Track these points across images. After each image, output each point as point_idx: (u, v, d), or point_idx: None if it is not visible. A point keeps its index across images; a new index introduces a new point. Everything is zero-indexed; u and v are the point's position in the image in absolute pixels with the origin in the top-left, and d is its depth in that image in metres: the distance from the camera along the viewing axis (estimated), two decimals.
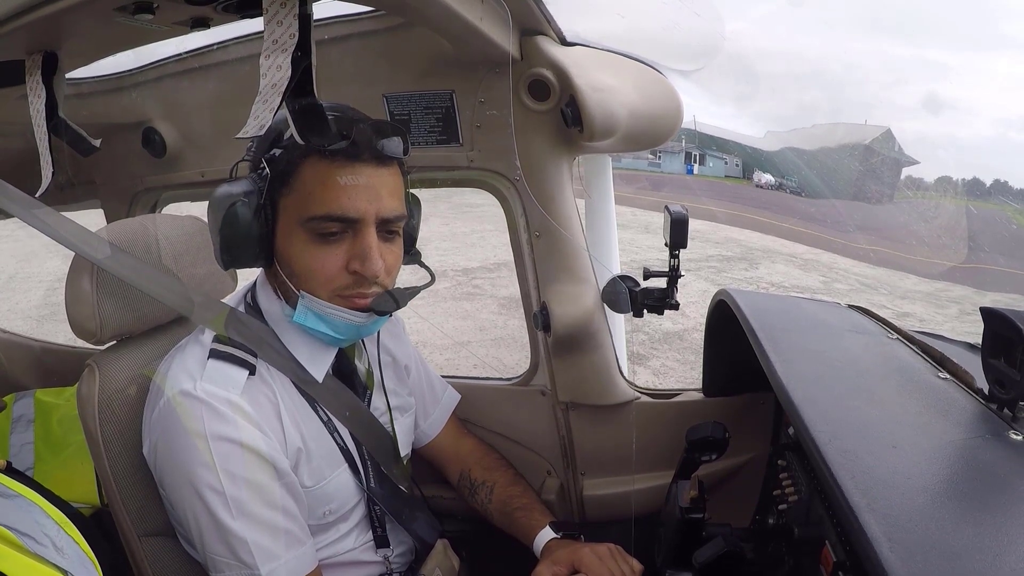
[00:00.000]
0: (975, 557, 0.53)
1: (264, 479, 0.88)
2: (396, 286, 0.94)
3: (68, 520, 0.64)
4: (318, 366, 0.98)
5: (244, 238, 0.87)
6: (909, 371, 0.92)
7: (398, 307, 0.93)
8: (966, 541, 0.55)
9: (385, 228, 0.91)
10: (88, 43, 0.92)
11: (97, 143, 0.99)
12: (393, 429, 1.09)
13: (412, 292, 0.95)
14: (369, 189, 0.87)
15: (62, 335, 1.63)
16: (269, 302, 0.97)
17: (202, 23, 0.80)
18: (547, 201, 1.18)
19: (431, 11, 0.87)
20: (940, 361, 0.93)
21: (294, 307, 0.92)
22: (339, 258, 0.88)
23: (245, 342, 0.93)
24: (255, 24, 0.71)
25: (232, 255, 0.88)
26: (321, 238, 0.88)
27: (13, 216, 0.89)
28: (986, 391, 0.80)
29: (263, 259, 0.91)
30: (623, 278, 1.21)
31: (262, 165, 0.88)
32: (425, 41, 1.08)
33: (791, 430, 1.04)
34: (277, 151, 0.88)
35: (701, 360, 1.33)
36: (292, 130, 0.70)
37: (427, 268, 1.05)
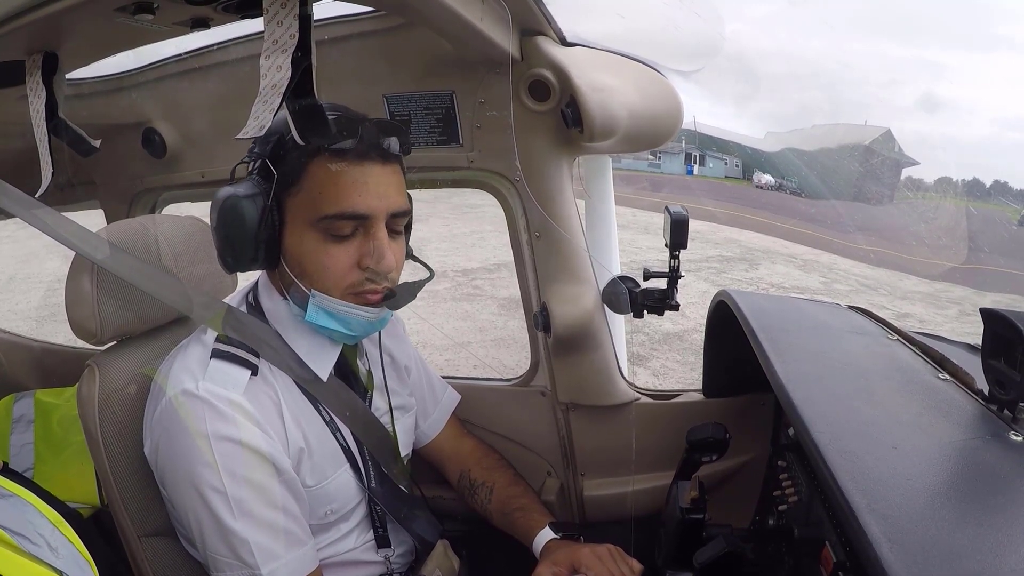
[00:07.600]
0: (975, 558, 0.53)
1: (266, 479, 0.88)
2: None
3: (63, 520, 0.64)
4: (323, 365, 0.98)
5: (252, 239, 0.87)
6: (909, 372, 0.92)
7: (408, 300, 0.94)
8: (966, 542, 0.55)
9: (392, 225, 0.92)
10: (88, 43, 0.92)
11: (97, 144, 0.99)
12: (394, 429, 1.09)
13: (418, 286, 0.96)
14: (378, 187, 0.89)
15: (62, 335, 1.63)
16: (272, 302, 0.97)
17: (202, 23, 0.80)
18: (547, 202, 1.18)
19: (431, 11, 0.87)
20: (940, 362, 0.93)
21: (302, 306, 0.92)
22: (351, 256, 0.89)
23: (245, 341, 0.93)
24: (255, 24, 0.72)
25: (239, 257, 0.88)
26: (333, 237, 0.88)
27: (13, 216, 0.89)
28: (986, 392, 0.80)
29: (270, 260, 0.91)
30: (623, 279, 1.21)
31: (267, 165, 0.88)
32: (425, 41, 1.08)
33: (791, 431, 1.04)
34: (282, 151, 0.88)
35: (701, 361, 1.33)
36: (292, 131, 0.70)
37: (424, 264, 1.06)
